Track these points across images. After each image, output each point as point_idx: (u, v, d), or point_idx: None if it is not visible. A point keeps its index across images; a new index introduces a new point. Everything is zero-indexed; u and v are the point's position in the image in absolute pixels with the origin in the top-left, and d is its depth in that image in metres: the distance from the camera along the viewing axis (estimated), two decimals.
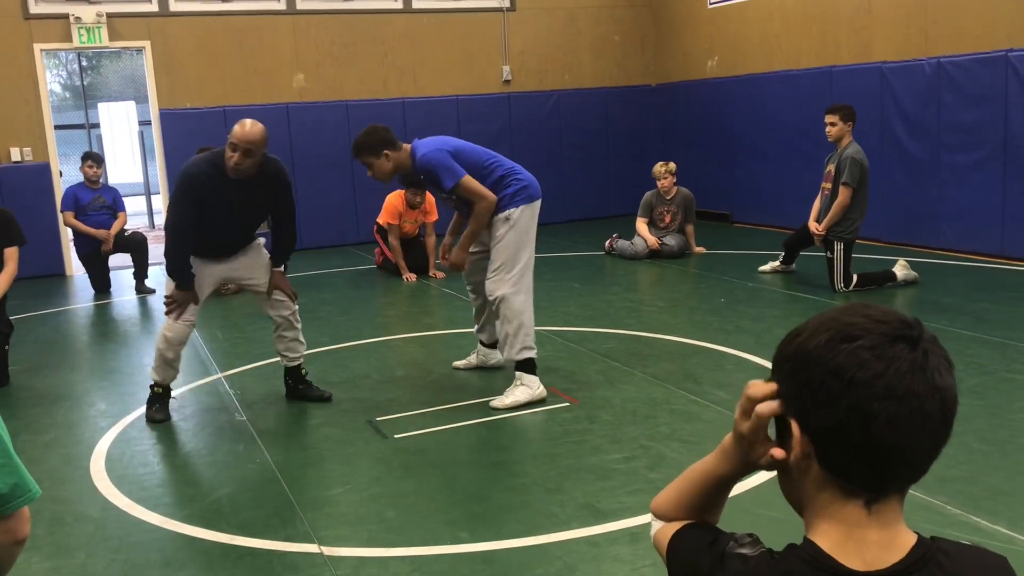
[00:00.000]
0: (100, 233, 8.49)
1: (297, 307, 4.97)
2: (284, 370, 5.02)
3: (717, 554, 1.09)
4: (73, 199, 8.53)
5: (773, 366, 1.10)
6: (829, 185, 7.01)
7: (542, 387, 4.76)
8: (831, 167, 7.01)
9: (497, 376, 5.23)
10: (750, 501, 3.33)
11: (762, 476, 3.61)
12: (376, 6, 10.94)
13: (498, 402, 4.70)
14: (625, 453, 4.04)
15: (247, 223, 4.77)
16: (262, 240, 4.96)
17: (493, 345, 5.29)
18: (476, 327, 5.33)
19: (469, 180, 4.65)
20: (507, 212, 4.73)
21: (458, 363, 5.44)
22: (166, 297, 4.70)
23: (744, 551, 1.07)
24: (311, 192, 10.56)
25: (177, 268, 4.61)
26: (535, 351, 4.80)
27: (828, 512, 1.04)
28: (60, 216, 8.56)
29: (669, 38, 11.92)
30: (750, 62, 10.59)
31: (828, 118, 6.98)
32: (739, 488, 3.56)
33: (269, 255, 4.91)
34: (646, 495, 3.58)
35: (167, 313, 4.70)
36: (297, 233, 5.01)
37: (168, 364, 4.75)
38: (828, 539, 1.04)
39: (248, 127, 4.45)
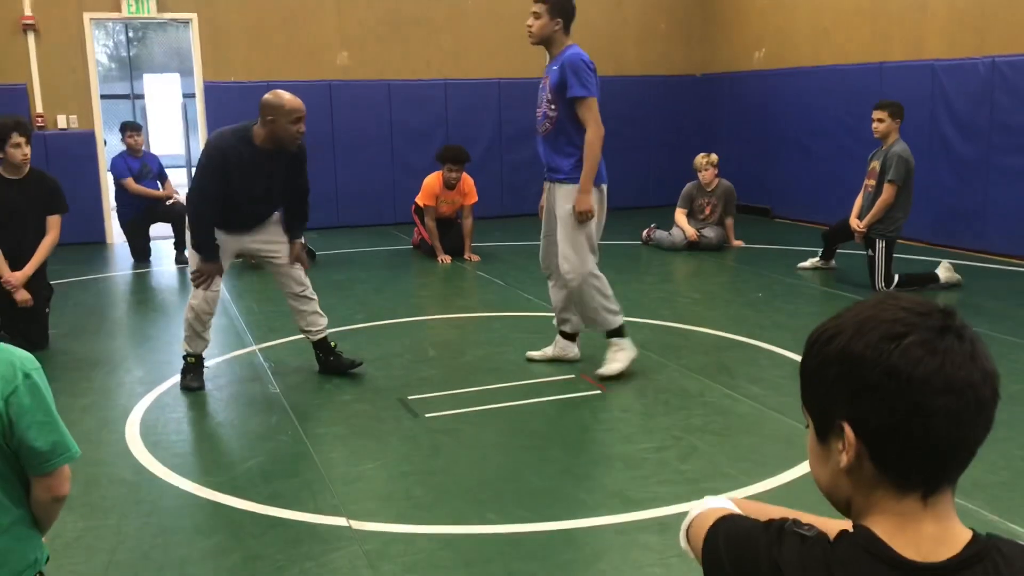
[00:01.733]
0: (161, 193, 8.71)
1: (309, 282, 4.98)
2: (312, 345, 5.04)
3: (775, 531, 1.08)
4: (126, 167, 8.64)
5: (810, 371, 1.07)
6: (873, 182, 6.90)
7: (635, 348, 4.87)
8: (876, 164, 6.90)
9: (527, 363, 5.20)
10: (771, 501, 3.29)
11: (781, 480, 3.57)
12: None
13: (606, 370, 4.76)
14: (656, 443, 4.01)
15: (273, 196, 4.78)
16: (277, 214, 4.97)
17: (574, 337, 5.12)
18: (556, 317, 5.11)
19: (595, 103, 4.61)
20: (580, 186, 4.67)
21: (533, 353, 5.16)
22: (193, 271, 4.74)
23: (802, 531, 1.06)
24: (350, 171, 10.59)
25: (203, 241, 4.64)
26: (622, 317, 4.87)
27: (882, 507, 1.03)
28: (116, 183, 8.65)
29: (716, 28, 11.78)
30: (798, 55, 10.44)
31: (876, 114, 6.86)
32: (756, 489, 3.53)
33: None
34: (676, 485, 3.56)
35: (196, 286, 4.73)
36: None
37: (198, 335, 4.78)
38: (882, 528, 1.02)
39: (291, 97, 4.50)
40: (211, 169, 4.52)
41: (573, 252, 4.69)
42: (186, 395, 4.77)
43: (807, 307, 6.57)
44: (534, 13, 4.72)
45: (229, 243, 4.76)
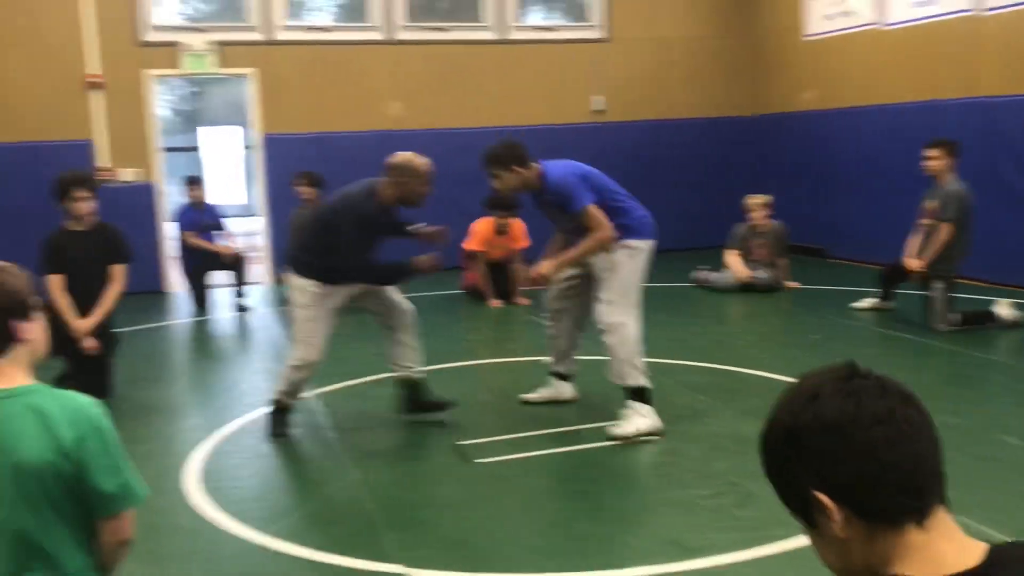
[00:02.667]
0: (222, 248, 8.90)
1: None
2: (403, 384, 4.98)
3: None
4: (190, 220, 8.88)
5: (768, 467, 1.16)
6: (929, 221, 6.80)
7: (659, 421, 4.63)
8: (931, 203, 6.81)
9: (580, 407, 5.20)
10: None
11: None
12: (472, 37, 11.13)
13: (619, 430, 4.59)
14: (712, 489, 3.96)
15: (378, 247, 4.88)
16: None
17: (567, 378, 5.24)
18: (552, 357, 5.21)
19: (594, 209, 4.62)
20: (632, 241, 4.69)
21: (529, 396, 5.28)
22: (418, 270, 4.72)
23: None
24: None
25: (384, 271, 4.71)
26: (648, 380, 4.71)
27: (892, 551, 1.08)
28: (179, 235, 8.90)
29: (765, 70, 11.78)
30: (849, 95, 10.38)
31: (930, 152, 6.79)
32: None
33: None
34: (734, 532, 3.50)
35: (427, 270, 4.71)
36: None
37: (295, 390, 4.82)
38: (908, 567, 1.06)
39: (423, 160, 4.67)
40: (363, 232, 4.60)
41: (616, 299, 4.66)
42: (243, 441, 4.84)
43: (865, 348, 6.46)
44: (493, 177, 4.79)
45: (339, 295, 4.76)
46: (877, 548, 1.07)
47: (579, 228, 4.70)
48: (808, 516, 1.12)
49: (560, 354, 5.20)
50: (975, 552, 1.06)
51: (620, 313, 4.64)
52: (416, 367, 4.97)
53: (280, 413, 4.86)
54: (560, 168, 4.76)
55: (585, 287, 4.86)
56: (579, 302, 4.95)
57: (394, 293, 4.93)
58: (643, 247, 4.73)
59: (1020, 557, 1.05)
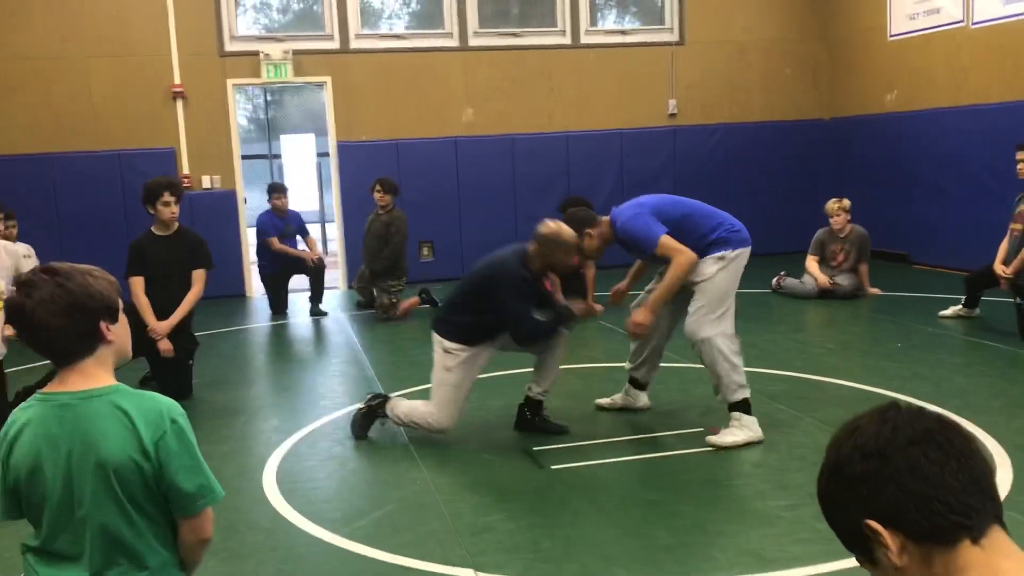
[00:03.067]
0: (306, 253, 9.06)
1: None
2: (525, 400, 4.96)
3: None
4: (272, 226, 9.07)
5: (824, 504, 1.24)
6: (1019, 226, 6.56)
7: (760, 430, 4.57)
8: (1022, 207, 6.55)
9: (656, 414, 5.13)
10: None
11: None
12: (545, 42, 11.12)
13: (717, 439, 4.54)
14: (791, 500, 3.86)
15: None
16: None
17: (644, 387, 5.18)
18: (631, 364, 5.15)
19: (667, 239, 4.55)
20: (722, 252, 4.60)
21: (602, 401, 5.27)
22: (583, 312, 4.84)
23: None
24: (475, 223, 10.78)
25: (552, 325, 4.69)
26: (748, 391, 4.63)
27: (951, 572, 1.06)
28: (260, 240, 9.09)
29: (844, 71, 11.51)
30: (934, 96, 10.07)
31: (1020, 155, 6.54)
32: None
33: None
34: (813, 544, 3.40)
35: (579, 318, 4.82)
36: None
37: (408, 426, 4.82)
38: None
39: (569, 231, 4.65)
40: (525, 293, 4.62)
41: (708, 313, 4.56)
42: (319, 443, 4.90)
43: (950, 357, 6.25)
44: (585, 237, 4.77)
45: (485, 352, 4.78)
46: (937, 571, 1.06)
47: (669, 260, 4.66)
48: (867, 551, 1.13)
49: (641, 361, 5.11)
50: None
51: (710, 326, 4.54)
52: (543, 388, 4.91)
53: (372, 418, 4.90)
54: (626, 212, 4.72)
55: (682, 299, 4.76)
56: (668, 311, 4.87)
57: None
58: (733, 256, 4.62)
59: None
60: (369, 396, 5.01)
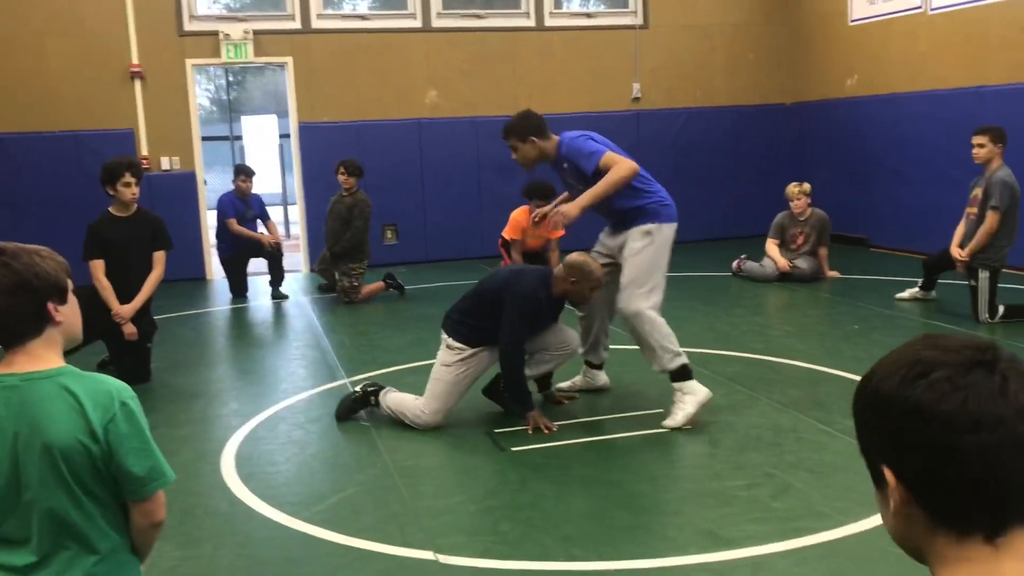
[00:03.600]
0: (265, 237, 8.95)
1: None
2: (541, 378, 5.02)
3: None
4: (232, 207, 8.95)
5: (855, 415, 1.06)
6: (975, 210, 6.66)
7: (706, 389, 4.60)
8: (978, 191, 6.66)
9: (614, 396, 5.17)
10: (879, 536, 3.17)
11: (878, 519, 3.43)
12: (509, 24, 11.08)
13: (671, 421, 4.55)
14: (748, 480, 3.91)
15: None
16: None
17: (600, 366, 5.22)
18: (582, 348, 5.15)
19: (611, 154, 4.58)
20: (648, 226, 4.66)
21: (562, 385, 5.27)
22: (532, 427, 4.59)
23: None
24: (439, 206, 10.74)
25: (523, 391, 4.64)
26: (685, 357, 4.64)
27: (950, 554, 0.98)
28: (220, 222, 8.96)
29: (806, 56, 11.60)
30: (893, 81, 10.18)
31: (976, 139, 6.64)
32: (851, 529, 3.40)
33: None
34: (769, 524, 3.46)
35: (540, 431, 4.57)
36: None
37: (394, 415, 4.80)
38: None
39: (599, 267, 4.65)
40: (528, 316, 4.60)
41: (639, 285, 4.62)
42: (279, 427, 4.87)
43: (906, 339, 6.32)
44: (511, 148, 4.85)
45: (487, 357, 4.74)
46: (937, 547, 0.98)
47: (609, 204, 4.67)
48: (875, 475, 1.04)
49: (591, 344, 5.17)
50: None
51: (639, 300, 4.60)
52: (531, 373, 4.88)
53: (362, 404, 4.88)
54: (575, 134, 4.77)
55: (616, 275, 4.81)
56: (610, 289, 4.91)
57: (559, 332, 4.87)
58: (659, 231, 4.67)
59: None
60: (366, 383, 4.99)
